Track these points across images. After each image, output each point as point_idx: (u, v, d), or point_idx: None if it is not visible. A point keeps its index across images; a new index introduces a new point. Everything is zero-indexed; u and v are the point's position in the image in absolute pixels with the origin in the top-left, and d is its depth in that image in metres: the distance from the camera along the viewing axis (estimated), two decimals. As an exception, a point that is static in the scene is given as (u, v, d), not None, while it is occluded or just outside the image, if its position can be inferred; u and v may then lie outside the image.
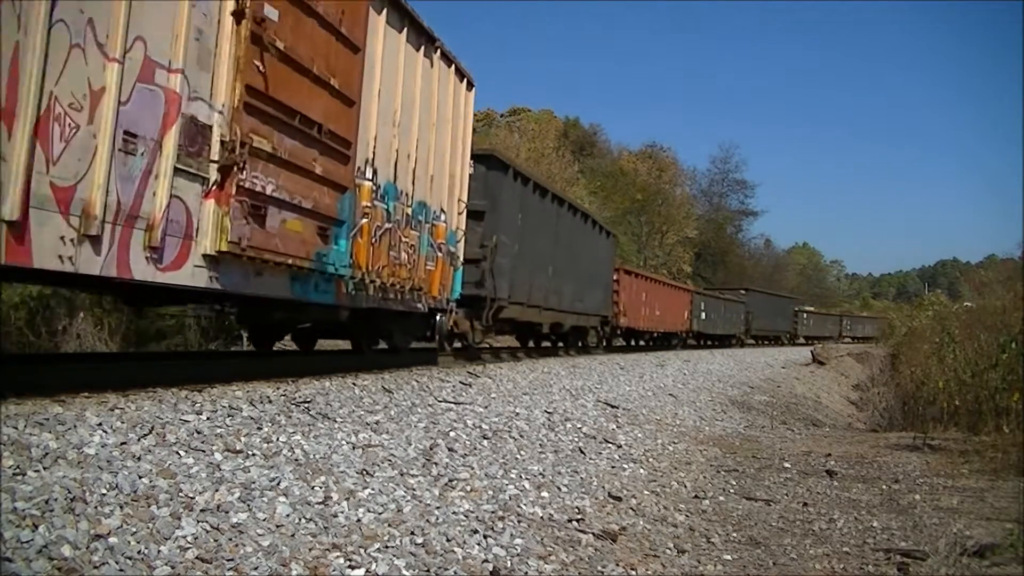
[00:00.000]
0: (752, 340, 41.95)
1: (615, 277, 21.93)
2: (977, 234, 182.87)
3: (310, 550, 3.36)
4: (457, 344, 12.33)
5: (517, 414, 7.44)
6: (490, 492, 4.79)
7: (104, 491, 3.28)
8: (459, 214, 10.57)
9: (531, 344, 17.86)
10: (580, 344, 19.40)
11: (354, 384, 7.06)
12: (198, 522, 3.29)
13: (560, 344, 18.52)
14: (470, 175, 11.14)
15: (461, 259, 10.65)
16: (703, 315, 32.44)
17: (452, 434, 5.93)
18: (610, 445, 7.40)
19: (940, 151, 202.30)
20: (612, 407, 9.80)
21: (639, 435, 8.45)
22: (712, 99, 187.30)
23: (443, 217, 9.92)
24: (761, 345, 43.27)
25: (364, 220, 7.66)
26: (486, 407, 7.39)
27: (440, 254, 9.79)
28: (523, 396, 8.73)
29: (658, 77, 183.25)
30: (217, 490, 3.64)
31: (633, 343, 26.39)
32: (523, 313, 13.98)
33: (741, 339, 39.55)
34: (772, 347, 42.92)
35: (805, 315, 53.78)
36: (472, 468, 5.19)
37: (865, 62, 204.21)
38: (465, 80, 10.61)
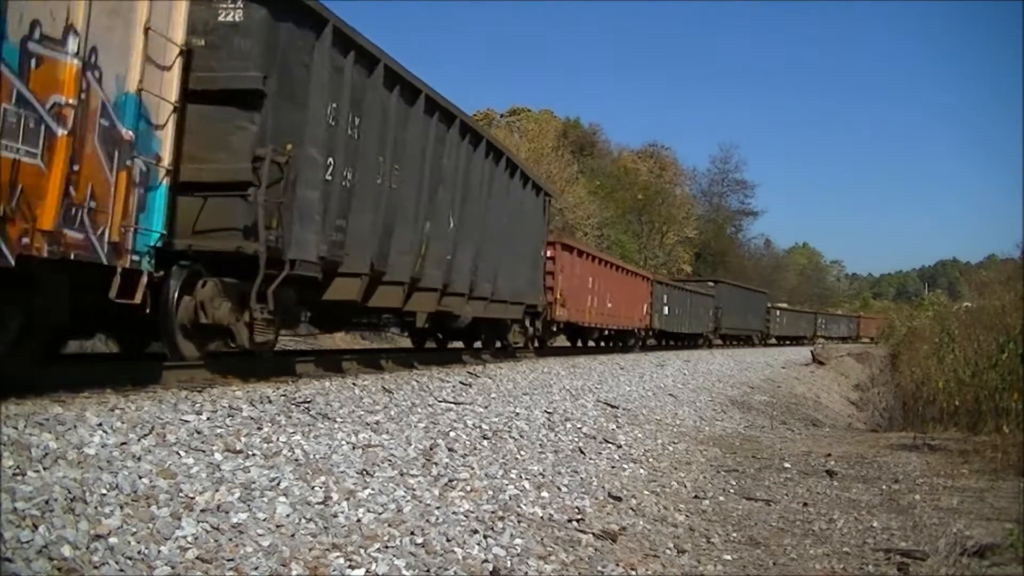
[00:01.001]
0: (720, 340, 35.75)
1: (549, 253, 16.20)
2: (977, 234, 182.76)
3: (310, 550, 3.36)
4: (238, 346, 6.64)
5: (517, 414, 7.44)
6: (490, 492, 4.79)
7: (104, 491, 3.28)
8: (157, 67, 5.46)
9: (436, 344, 13.18)
10: (499, 345, 13.88)
11: (354, 384, 7.06)
12: (198, 522, 3.30)
13: (477, 344, 13.65)
14: (228, 22, 6.12)
15: (165, 165, 5.64)
16: (665, 309, 26.85)
17: (452, 434, 5.93)
18: (610, 445, 7.40)
19: (941, 151, 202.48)
20: (612, 407, 9.80)
21: (639, 435, 8.45)
22: (712, 99, 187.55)
23: (72, 49, 4.62)
24: (731, 346, 36.83)
25: None
26: (486, 407, 7.39)
27: (63, 132, 4.59)
28: (523, 396, 8.73)
29: (658, 77, 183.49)
30: (217, 490, 3.64)
31: (578, 344, 21.48)
32: (366, 293, 8.12)
33: (709, 339, 33.48)
34: (746, 349, 36.92)
35: (778, 312, 47.55)
36: (472, 468, 5.19)
37: (865, 61, 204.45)
38: None
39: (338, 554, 3.39)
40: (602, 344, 23.07)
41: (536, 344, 16.27)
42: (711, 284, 35.82)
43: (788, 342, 47.25)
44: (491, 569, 3.67)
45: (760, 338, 43.40)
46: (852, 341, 55.72)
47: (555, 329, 17.77)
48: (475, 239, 10.92)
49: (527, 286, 13.80)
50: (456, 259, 10.39)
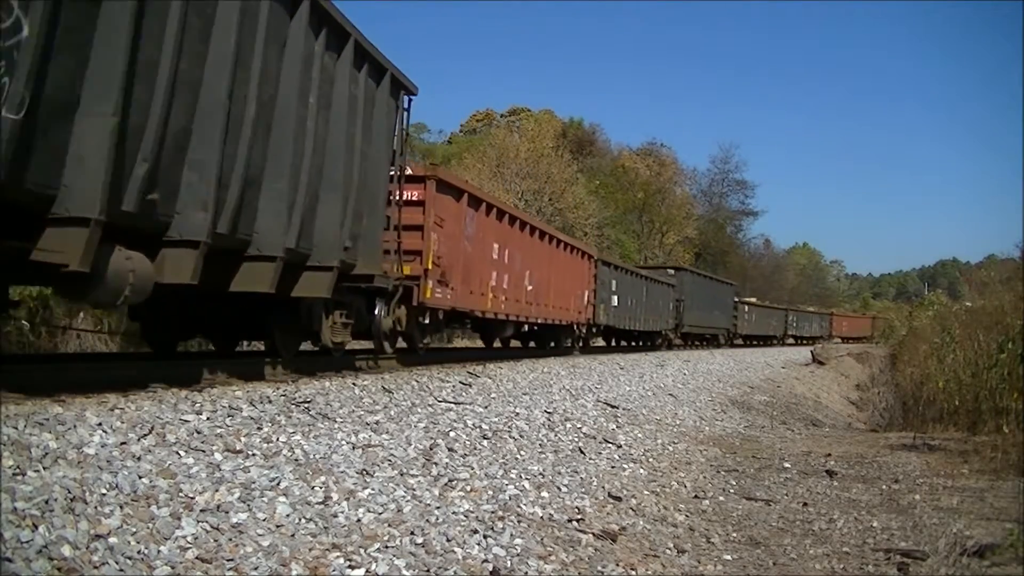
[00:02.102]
0: (680, 340, 30.01)
1: (415, 195, 10.19)
2: (977, 234, 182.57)
3: (310, 550, 3.36)
4: None
5: (517, 414, 7.44)
6: (490, 492, 4.79)
7: (104, 491, 3.28)
8: None
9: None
10: (311, 344, 8.48)
11: (354, 384, 7.07)
12: (198, 522, 3.30)
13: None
14: None
15: None
16: (614, 299, 20.89)
17: (452, 434, 5.93)
18: (610, 445, 7.40)
19: (941, 150, 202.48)
20: (612, 407, 9.80)
21: (639, 435, 8.45)
22: (712, 99, 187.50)
23: None
24: (693, 347, 31.14)
25: None
26: (486, 407, 7.40)
27: None
28: (523, 396, 8.73)
29: (658, 77, 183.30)
30: (217, 490, 3.64)
31: (495, 344, 15.85)
32: None
33: (669, 338, 27.97)
34: (714, 351, 30.32)
35: (747, 308, 40.73)
36: (472, 468, 5.20)
37: (866, 60, 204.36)
38: None
39: (338, 554, 3.39)
40: (531, 344, 17.72)
41: (395, 345, 10.14)
42: (672, 272, 29.68)
43: (756, 342, 41.31)
44: (491, 569, 3.67)
45: (727, 337, 36.93)
46: (824, 341, 51.56)
47: (426, 320, 10.73)
48: (164, 111, 5.00)
49: (348, 240, 7.70)
50: (79, 136, 4.43)
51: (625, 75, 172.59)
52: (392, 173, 8.94)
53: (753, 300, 44.91)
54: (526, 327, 15.89)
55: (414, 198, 10.11)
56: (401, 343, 10.78)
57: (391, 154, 8.83)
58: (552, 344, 18.09)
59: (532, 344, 18.28)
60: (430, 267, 10.36)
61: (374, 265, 8.48)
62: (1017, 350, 8.96)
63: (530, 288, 14.74)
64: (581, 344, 19.52)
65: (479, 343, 16.61)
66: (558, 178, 38.25)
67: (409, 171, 9.76)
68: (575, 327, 18.35)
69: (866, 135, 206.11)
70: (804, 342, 48.08)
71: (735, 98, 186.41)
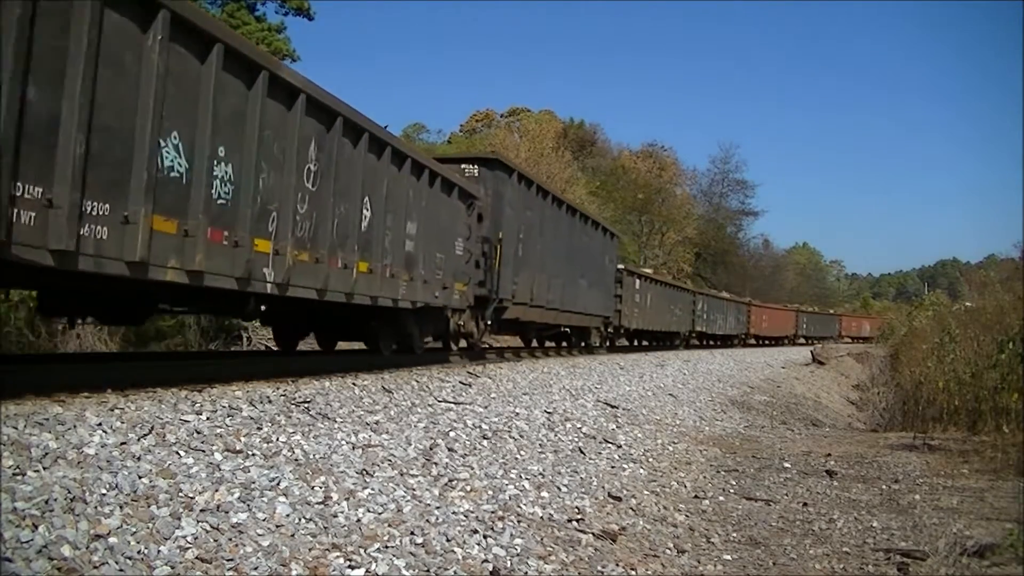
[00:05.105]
0: (495, 337, 17.15)
1: None
2: (977, 234, 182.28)
3: (310, 550, 3.36)
4: None
5: (517, 414, 7.44)
6: (490, 492, 4.79)
7: (104, 491, 3.28)
8: None
9: None
10: None
11: (354, 384, 7.06)
12: (198, 522, 3.30)
13: None
14: None
15: None
16: (228, 179, 5.56)
17: (452, 434, 5.93)
18: (610, 445, 7.40)
19: (941, 150, 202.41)
20: (612, 407, 9.80)
21: (639, 435, 8.45)
22: (712, 98, 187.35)
23: None
24: (530, 354, 15.58)
25: None
26: (486, 407, 7.39)
27: None
28: (523, 396, 8.73)
29: (658, 77, 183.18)
30: (217, 490, 3.64)
31: None
32: None
33: (466, 331, 11.92)
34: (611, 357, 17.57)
35: (637, 283, 23.21)
36: (472, 468, 5.20)
37: (866, 60, 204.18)
38: None
39: (338, 554, 3.39)
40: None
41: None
42: (475, 170, 12.38)
43: (650, 342, 26.09)
44: (491, 569, 3.67)
45: (602, 334, 20.45)
46: (740, 342, 38.47)
47: None
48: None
49: None
50: None
51: (625, 74, 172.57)
52: None
53: (648, 271, 27.82)
54: None
55: None
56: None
57: None
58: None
59: None
60: None
61: None
62: (1017, 350, 8.95)
63: None
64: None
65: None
66: (558, 178, 38.21)
67: None
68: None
69: (866, 135, 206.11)
70: (713, 343, 34.06)
71: (735, 97, 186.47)
